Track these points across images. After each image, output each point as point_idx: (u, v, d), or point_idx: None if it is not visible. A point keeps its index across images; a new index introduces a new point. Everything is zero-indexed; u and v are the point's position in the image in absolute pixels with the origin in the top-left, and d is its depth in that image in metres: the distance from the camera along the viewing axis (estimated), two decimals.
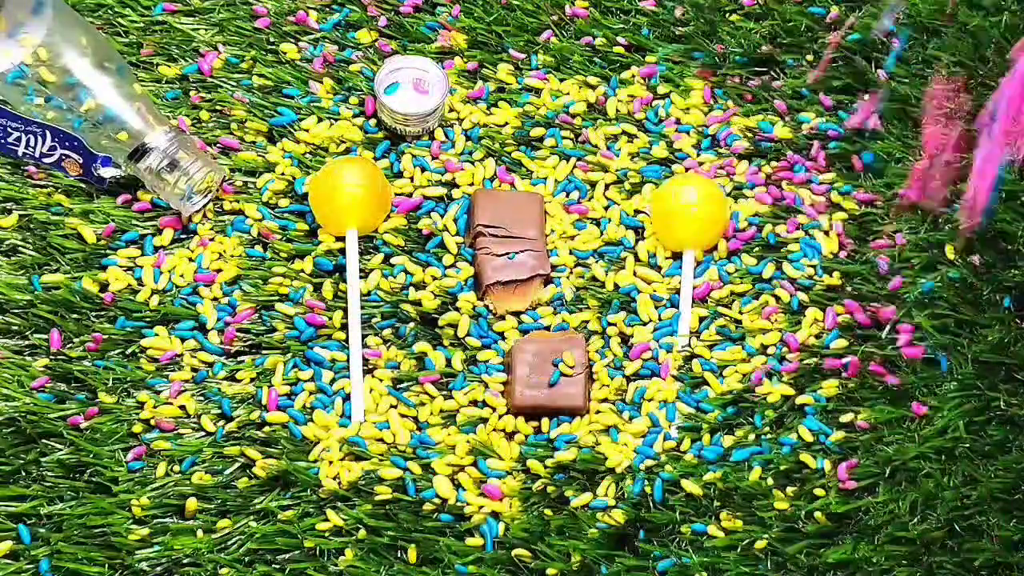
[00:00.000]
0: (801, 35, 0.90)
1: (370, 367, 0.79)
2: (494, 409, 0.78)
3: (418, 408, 0.78)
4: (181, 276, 0.81)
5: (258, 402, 0.78)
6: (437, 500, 0.75)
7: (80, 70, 0.82)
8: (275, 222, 0.83)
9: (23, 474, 0.75)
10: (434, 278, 0.82)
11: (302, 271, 0.82)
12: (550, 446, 0.77)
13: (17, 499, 0.74)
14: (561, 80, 0.89)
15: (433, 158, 0.85)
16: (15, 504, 0.74)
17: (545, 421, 0.78)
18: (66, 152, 0.82)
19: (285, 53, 0.88)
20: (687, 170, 0.86)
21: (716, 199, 0.83)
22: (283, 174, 0.84)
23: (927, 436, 0.77)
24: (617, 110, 0.88)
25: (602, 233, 0.84)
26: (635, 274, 0.82)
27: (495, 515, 0.75)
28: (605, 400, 0.79)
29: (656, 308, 0.81)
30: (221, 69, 0.88)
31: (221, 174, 0.83)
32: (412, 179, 0.85)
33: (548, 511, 0.76)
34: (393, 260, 0.82)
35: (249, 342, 0.80)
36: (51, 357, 0.78)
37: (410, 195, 0.84)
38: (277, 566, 0.73)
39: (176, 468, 0.76)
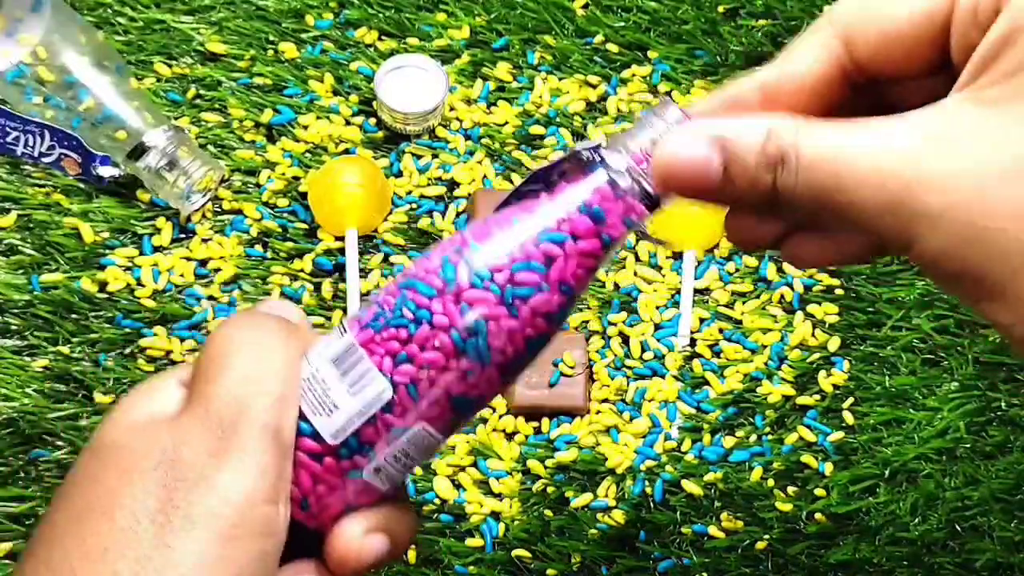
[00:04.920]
0: None
1: None
2: (494, 409, 0.78)
3: None
4: (181, 276, 0.81)
5: None
6: (437, 501, 0.75)
7: (79, 69, 0.82)
8: (275, 221, 0.83)
9: (22, 475, 0.75)
10: None
11: (302, 271, 0.81)
12: (550, 446, 0.77)
13: (16, 500, 0.74)
14: (561, 79, 0.88)
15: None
16: (14, 505, 0.74)
17: (545, 421, 0.78)
18: (65, 151, 0.82)
19: (284, 52, 0.88)
20: None
21: None
22: (283, 174, 0.84)
23: (927, 437, 0.77)
24: (618, 109, 0.88)
25: None
26: (635, 274, 0.82)
27: (495, 515, 0.75)
28: (605, 400, 0.79)
29: (657, 308, 0.81)
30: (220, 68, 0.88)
31: (220, 172, 0.83)
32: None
33: (548, 511, 0.75)
34: (393, 260, 0.82)
35: None
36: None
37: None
38: None
39: None
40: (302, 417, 0.47)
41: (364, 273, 0.82)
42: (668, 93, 0.88)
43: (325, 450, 0.47)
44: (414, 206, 0.84)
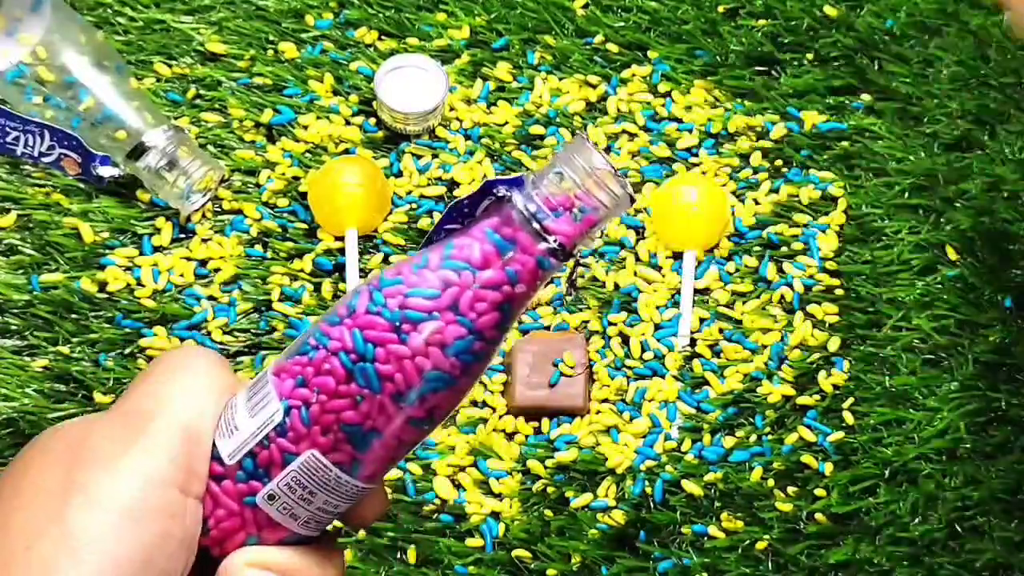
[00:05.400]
0: (802, 34, 0.89)
1: None
2: (494, 409, 0.78)
3: None
4: (181, 276, 0.81)
5: None
6: (437, 501, 0.75)
7: (78, 69, 0.82)
8: (275, 221, 0.83)
9: None
10: None
11: (302, 271, 0.81)
12: (550, 446, 0.77)
13: None
14: (561, 79, 0.88)
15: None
16: None
17: (545, 421, 0.78)
18: (65, 151, 0.82)
19: (284, 52, 0.88)
20: (688, 169, 0.86)
21: (717, 198, 0.83)
22: (283, 174, 0.84)
23: (927, 437, 0.77)
24: (618, 109, 0.87)
25: (602, 233, 0.84)
26: (635, 274, 0.82)
27: (495, 515, 0.75)
28: (605, 400, 0.79)
29: (657, 308, 0.81)
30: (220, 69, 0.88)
31: (220, 172, 0.83)
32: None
33: (548, 511, 0.75)
34: (393, 260, 0.82)
35: (248, 342, 0.79)
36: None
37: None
38: None
39: None
40: (215, 443, 0.47)
41: (364, 273, 0.82)
42: (668, 93, 0.88)
43: (224, 472, 0.47)
44: (414, 206, 0.84)
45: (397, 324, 0.45)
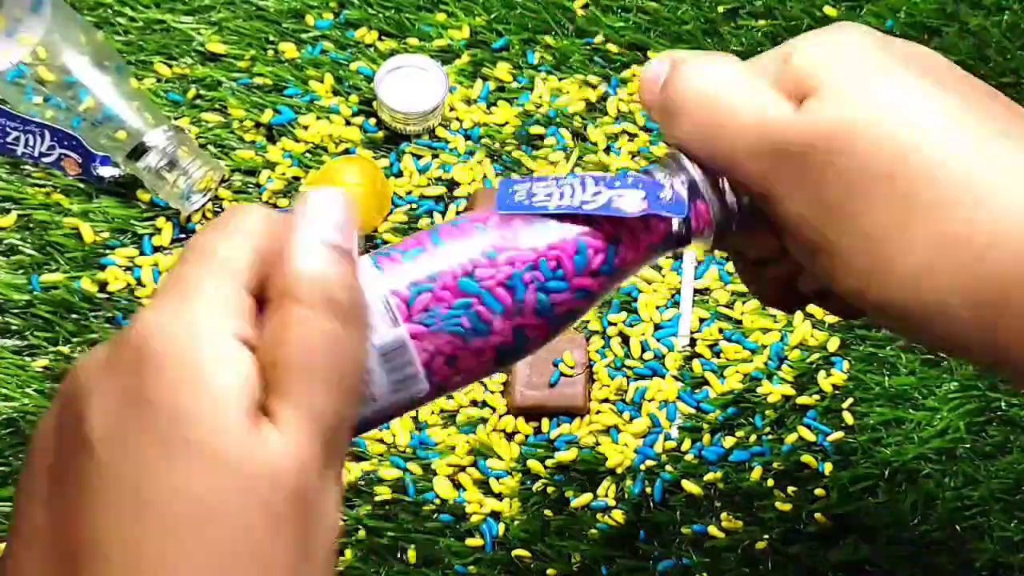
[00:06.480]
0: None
1: None
2: (494, 409, 0.78)
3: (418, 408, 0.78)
4: None
5: None
6: (437, 501, 0.75)
7: (79, 69, 0.82)
8: None
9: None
10: None
11: None
12: (550, 446, 0.77)
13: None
14: (561, 79, 0.88)
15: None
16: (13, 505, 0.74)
17: (545, 421, 0.78)
18: (65, 151, 0.82)
19: (284, 52, 0.88)
20: None
21: None
22: (283, 174, 0.84)
23: (927, 437, 0.77)
24: (618, 109, 0.87)
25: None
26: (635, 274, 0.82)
27: (495, 515, 0.75)
28: (605, 400, 0.79)
29: (657, 308, 0.81)
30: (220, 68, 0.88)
31: (220, 172, 0.83)
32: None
33: (548, 511, 0.75)
34: None
35: None
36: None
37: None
38: None
39: None
40: None
41: None
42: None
43: None
44: (414, 206, 0.84)
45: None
